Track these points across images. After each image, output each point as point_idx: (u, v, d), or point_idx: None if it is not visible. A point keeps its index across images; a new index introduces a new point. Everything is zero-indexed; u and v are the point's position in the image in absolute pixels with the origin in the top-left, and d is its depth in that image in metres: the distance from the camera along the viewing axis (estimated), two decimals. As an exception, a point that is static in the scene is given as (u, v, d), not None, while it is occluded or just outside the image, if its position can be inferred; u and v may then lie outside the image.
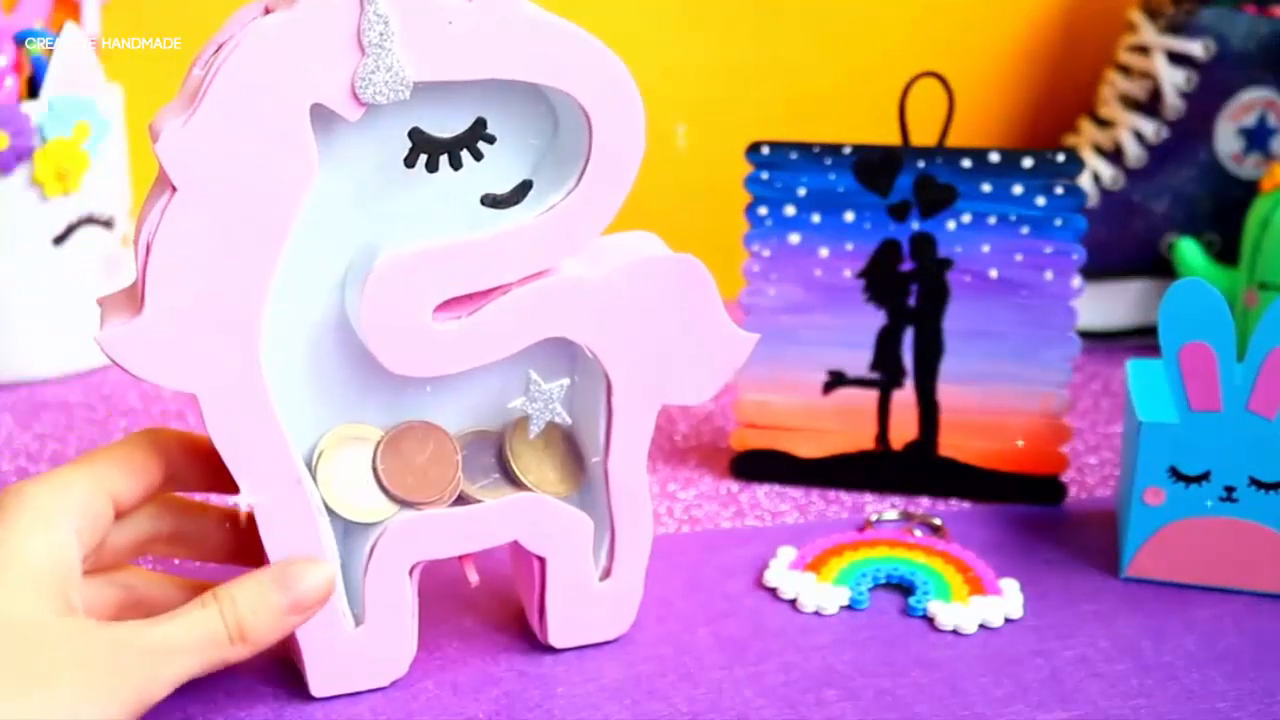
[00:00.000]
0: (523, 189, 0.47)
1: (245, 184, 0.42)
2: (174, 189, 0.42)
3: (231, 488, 0.46)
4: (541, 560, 0.51)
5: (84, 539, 0.45)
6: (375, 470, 0.48)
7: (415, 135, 0.45)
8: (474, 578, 0.50)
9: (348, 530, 0.49)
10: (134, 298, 0.44)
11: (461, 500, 0.50)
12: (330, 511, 0.48)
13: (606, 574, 0.52)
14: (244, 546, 0.50)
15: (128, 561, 0.49)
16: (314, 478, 0.48)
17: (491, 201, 0.47)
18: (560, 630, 0.52)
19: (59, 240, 0.78)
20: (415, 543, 0.48)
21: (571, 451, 0.52)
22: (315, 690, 0.49)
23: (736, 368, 0.51)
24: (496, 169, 0.47)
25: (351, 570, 0.49)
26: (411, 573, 0.49)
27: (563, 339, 0.48)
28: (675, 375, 0.50)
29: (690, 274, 0.49)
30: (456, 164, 0.46)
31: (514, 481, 0.50)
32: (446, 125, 0.46)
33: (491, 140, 0.46)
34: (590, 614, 0.52)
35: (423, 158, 0.45)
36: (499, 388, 0.50)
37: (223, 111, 0.42)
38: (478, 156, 0.46)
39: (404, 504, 0.49)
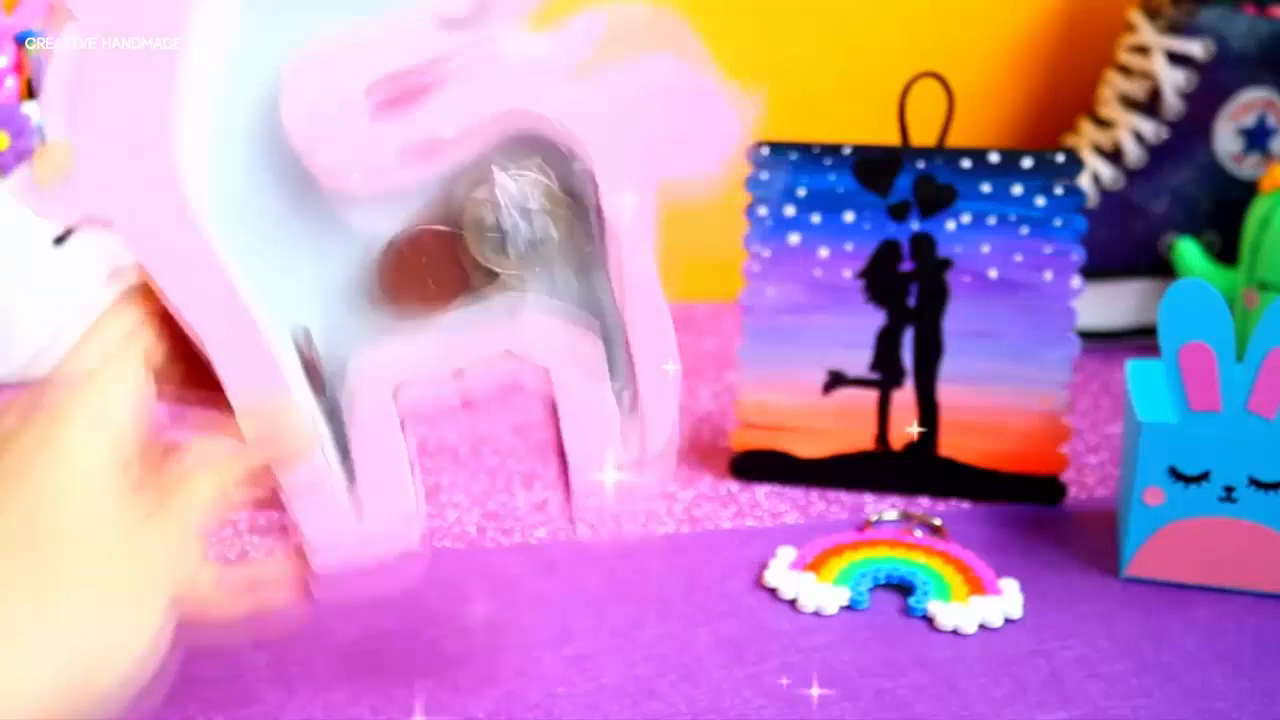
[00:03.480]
0: None
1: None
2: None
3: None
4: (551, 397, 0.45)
5: (139, 402, 0.42)
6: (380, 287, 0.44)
7: None
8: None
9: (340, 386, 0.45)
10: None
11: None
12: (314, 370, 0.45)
13: (633, 408, 0.45)
14: None
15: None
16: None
17: None
18: (584, 465, 0.45)
19: (59, 240, 0.78)
20: (391, 367, 0.44)
21: (569, 259, 0.45)
22: (316, 565, 0.44)
23: (741, 135, 0.44)
24: None
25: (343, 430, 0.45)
26: (404, 426, 0.45)
27: (529, 133, 0.43)
28: (669, 146, 0.43)
29: (664, 27, 0.43)
30: None
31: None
32: None
33: None
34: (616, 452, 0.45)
35: None
36: (463, 196, 0.44)
37: None
38: None
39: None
